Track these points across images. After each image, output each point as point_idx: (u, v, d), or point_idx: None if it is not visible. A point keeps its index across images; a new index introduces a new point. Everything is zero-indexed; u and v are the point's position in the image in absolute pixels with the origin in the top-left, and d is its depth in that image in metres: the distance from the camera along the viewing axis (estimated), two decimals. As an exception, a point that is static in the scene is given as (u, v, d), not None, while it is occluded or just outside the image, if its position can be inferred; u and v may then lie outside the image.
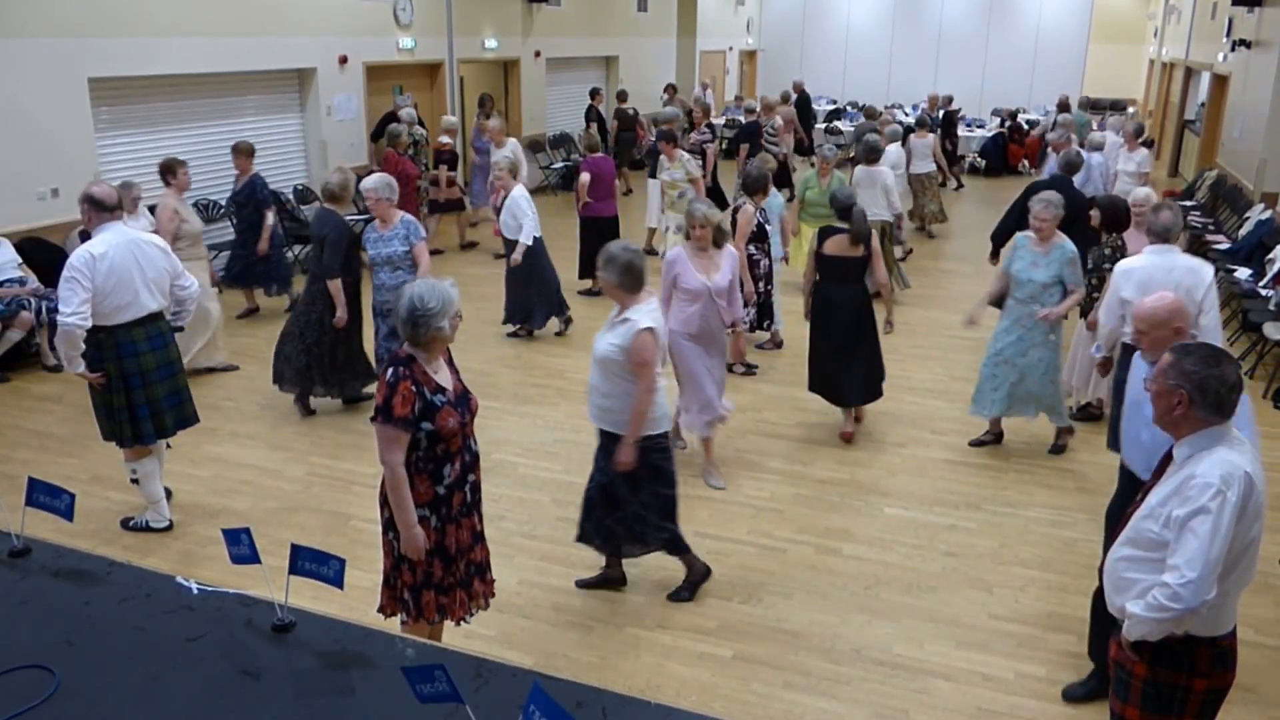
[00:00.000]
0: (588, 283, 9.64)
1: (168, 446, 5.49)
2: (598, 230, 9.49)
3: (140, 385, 4.89)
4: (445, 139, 11.23)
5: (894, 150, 10.97)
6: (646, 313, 4.14)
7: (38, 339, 7.45)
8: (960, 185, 16.37)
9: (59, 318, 4.57)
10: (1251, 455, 2.63)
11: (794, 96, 16.63)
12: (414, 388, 3.29)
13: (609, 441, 4.30)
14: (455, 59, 13.43)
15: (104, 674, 2.17)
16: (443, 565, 3.51)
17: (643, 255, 4.24)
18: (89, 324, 4.61)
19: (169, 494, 5.39)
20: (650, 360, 4.09)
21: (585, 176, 9.38)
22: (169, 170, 7.09)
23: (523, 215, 7.82)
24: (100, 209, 4.74)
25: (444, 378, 3.44)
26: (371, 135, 11.91)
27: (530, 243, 7.86)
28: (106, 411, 4.94)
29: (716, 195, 11.53)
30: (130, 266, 4.72)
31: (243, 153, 8.36)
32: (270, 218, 8.41)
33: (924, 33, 23.38)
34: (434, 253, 10.08)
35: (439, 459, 3.41)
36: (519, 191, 7.93)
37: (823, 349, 6.24)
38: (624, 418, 4.17)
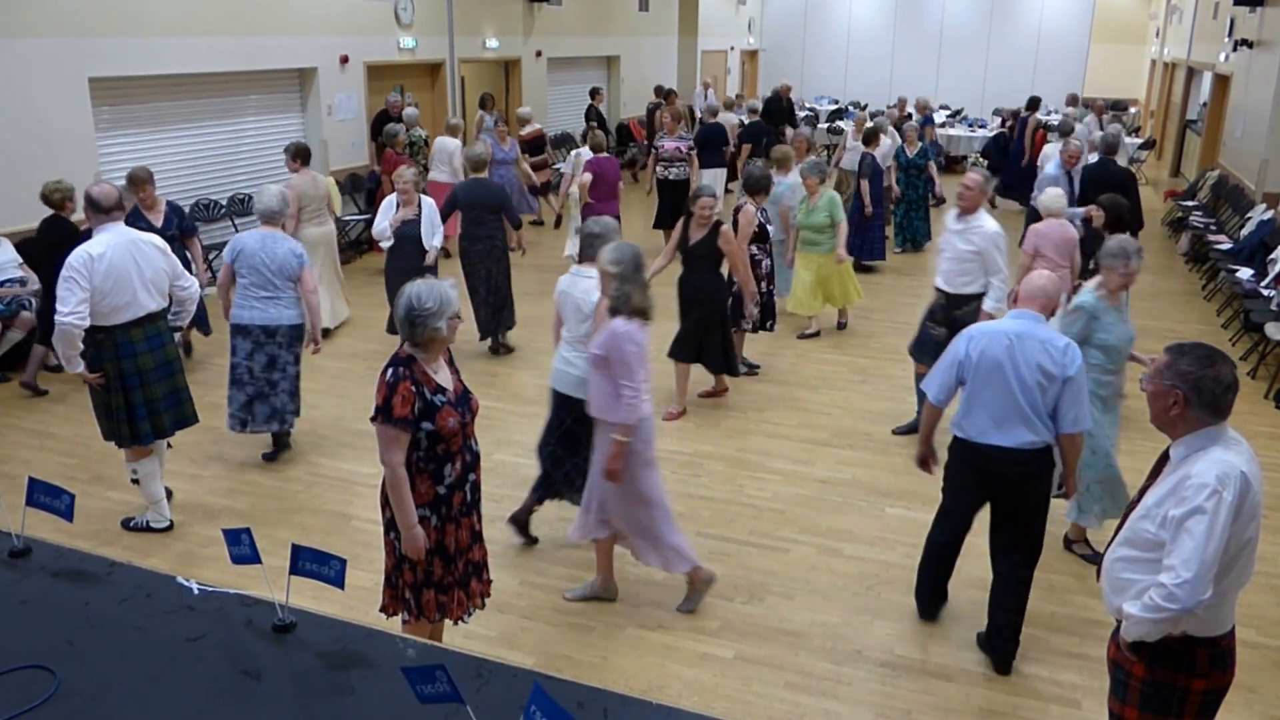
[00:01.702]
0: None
1: (169, 446, 5.49)
2: (598, 230, 9.49)
3: (138, 385, 4.89)
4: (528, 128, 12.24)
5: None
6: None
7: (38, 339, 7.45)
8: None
9: (57, 317, 4.56)
10: (1247, 455, 2.63)
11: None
12: (414, 388, 3.29)
13: None
14: (456, 59, 13.43)
15: (104, 674, 2.17)
16: (442, 564, 3.52)
17: (589, 231, 4.80)
18: (86, 323, 4.61)
19: (169, 494, 5.39)
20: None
21: (587, 177, 9.37)
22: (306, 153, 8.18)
23: (439, 222, 7.59)
24: (96, 210, 4.74)
25: (444, 378, 3.44)
26: (372, 134, 11.92)
27: (440, 246, 7.58)
28: (105, 412, 4.94)
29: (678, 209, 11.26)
30: (129, 266, 4.72)
31: (145, 180, 6.93)
32: (200, 244, 7.55)
33: (925, 32, 23.37)
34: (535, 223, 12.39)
35: (440, 459, 3.41)
36: (431, 201, 7.66)
37: (728, 328, 6.85)
38: None
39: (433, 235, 7.49)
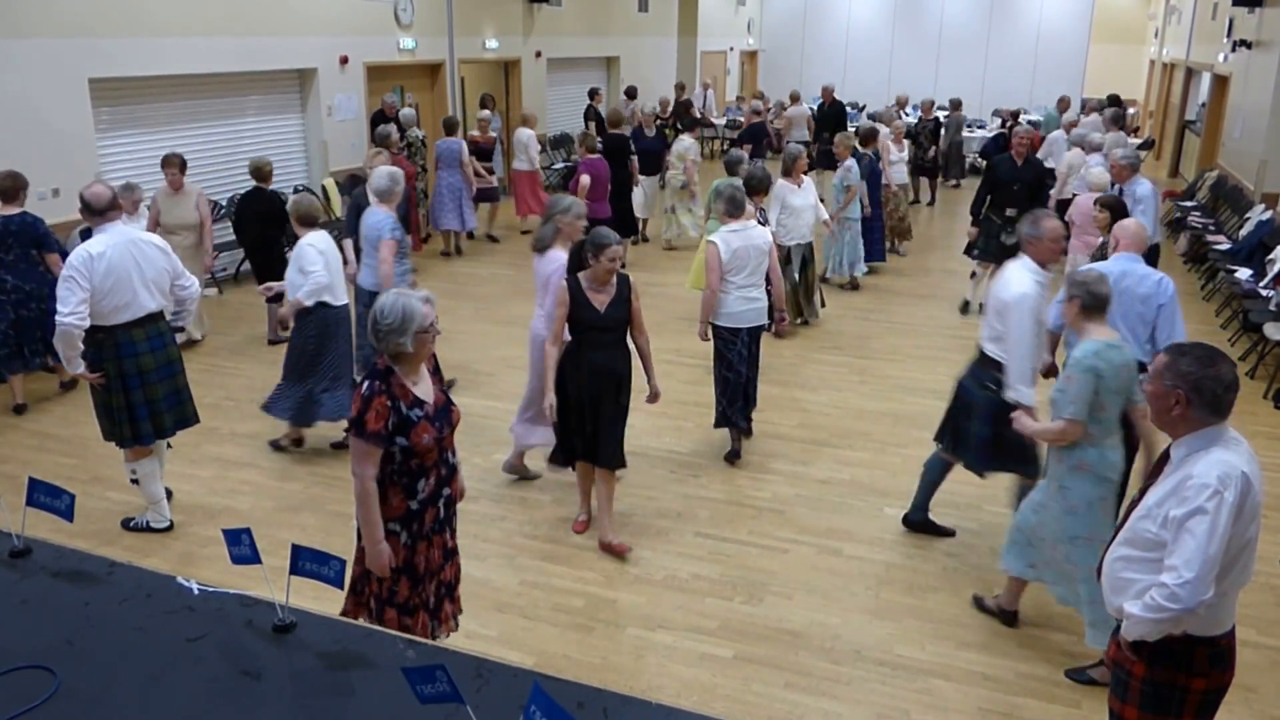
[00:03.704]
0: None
1: (168, 447, 5.49)
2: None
3: (139, 386, 4.89)
4: (475, 133, 11.94)
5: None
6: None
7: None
8: (932, 201, 15.14)
9: (57, 317, 4.57)
10: (1248, 455, 2.64)
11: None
12: (389, 402, 3.16)
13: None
14: (456, 59, 13.43)
15: (104, 674, 2.17)
16: (409, 585, 3.38)
17: (732, 196, 5.71)
18: (86, 323, 4.61)
19: (169, 494, 5.38)
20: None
21: (586, 179, 9.39)
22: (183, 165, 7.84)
23: (310, 265, 5.63)
24: (89, 212, 4.74)
25: (424, 389, 3.30)
26: (372, 135, 11.93)
27: (310, 303, 5.68)
28: (106, 412, 4.94)
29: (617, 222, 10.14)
30: (129, 266, 4.72)
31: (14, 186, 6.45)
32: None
33: (925, 32, 23.37)
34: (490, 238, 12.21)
35: (414, 473, 3.29)
36: (314, 238, 5.74)
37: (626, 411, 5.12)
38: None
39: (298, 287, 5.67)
